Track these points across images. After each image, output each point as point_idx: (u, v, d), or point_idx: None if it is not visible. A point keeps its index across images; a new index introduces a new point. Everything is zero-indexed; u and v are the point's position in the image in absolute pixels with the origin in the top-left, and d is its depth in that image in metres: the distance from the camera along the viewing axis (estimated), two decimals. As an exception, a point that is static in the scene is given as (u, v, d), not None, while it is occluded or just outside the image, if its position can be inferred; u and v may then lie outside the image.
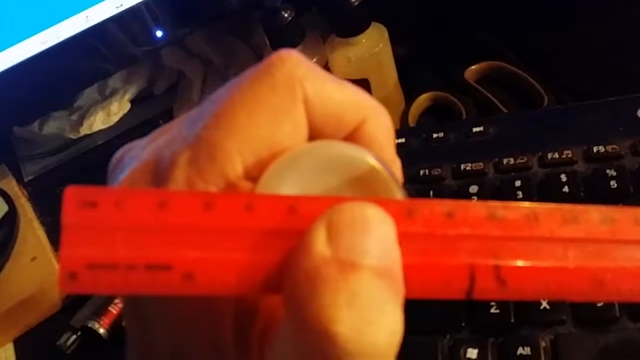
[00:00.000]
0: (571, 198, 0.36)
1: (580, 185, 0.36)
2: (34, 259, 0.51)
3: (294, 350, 0.15)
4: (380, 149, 0.19)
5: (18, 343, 0.49)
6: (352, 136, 0.19)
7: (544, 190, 0.37)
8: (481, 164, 0.39)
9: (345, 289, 0.14)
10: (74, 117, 0.58)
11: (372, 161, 0.18)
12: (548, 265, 0.17)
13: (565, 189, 0.36)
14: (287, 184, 0.17)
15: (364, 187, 0.18)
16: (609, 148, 0.37)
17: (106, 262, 0.15)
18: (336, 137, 0.19)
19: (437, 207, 0.17)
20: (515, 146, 0.40)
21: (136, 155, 0.19)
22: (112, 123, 0.58)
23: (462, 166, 0.40)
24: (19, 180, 0.60)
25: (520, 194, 0.37)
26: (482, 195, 0.38)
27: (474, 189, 0.38)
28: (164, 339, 0.19)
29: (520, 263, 0.17)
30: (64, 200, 0.15)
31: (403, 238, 0.16)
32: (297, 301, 0.14)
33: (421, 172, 0.40)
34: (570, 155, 0.38)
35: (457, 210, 0.17)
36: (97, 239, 0.15)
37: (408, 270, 0.16)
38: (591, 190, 0.36)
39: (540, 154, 0.39)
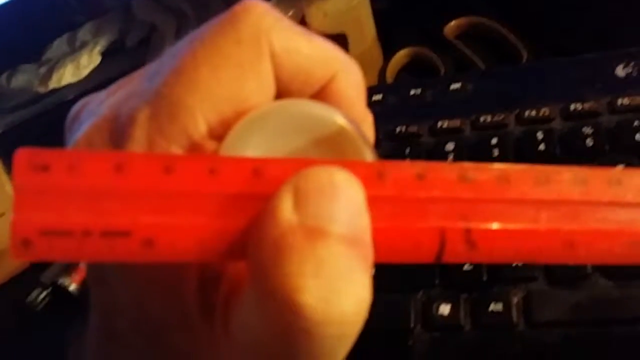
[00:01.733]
0: (547, 156, 0.36)
1: (557, 143, 0.36)
2: (2, 215, 0.49)
3: (259, 318, 0.15)
4: (350, 106, 0.19)
5: None
6: (321, 92, 0.19)
7: (521, 148, 0.37)
8: (458, 121, 0.39)
9: (312, 257, 0.14)
10: (43, 70, 0.57)
11: (341, 121, 0.17)
12: (519, 227, 0.17)
13: (542, 147, 0.36)
14: (252, 145, 0.17)
15: (333, 147, 0.17)
16: (586, 106, 0.37)
17: (60, 228, 0.14)
18: (304, 93, 0.18)
19: (407, 169, 0.16)
20: (493, 103, 0.39)
21: (93, 110, 0.18)
22: (82, 76, 0.56)
23: (439, 123, 0.39)
24: None
25: (496, 152, 0.37)
26: (458, 153, 0.38)
27: (450, 146, 0.38)
28: (127, 300, 0.18)
29: (490, 226, 0.17)
30: (14, 163, 0.14)
31: (372, 201, 0.16)
32: (262, 269, 0.14)
33: (397, 129, 0.40)
34: (547, 113, 0.37)
35: (427, 172, 0.17)
36: (50, 204, 0.14)
37: (377, 234, 0.16)
38: (567, 148, 0.36)
39: (517, 111, 0.38)
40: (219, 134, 0.17)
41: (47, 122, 0.59)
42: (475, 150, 0.38)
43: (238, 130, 0.17)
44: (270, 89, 0.18)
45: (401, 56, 0.50)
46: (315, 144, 0.17)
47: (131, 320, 0.18)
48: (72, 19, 0.50)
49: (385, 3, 0.51)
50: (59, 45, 0.56)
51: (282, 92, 0.18)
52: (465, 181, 0.17)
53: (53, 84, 0.55)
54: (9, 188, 0.51)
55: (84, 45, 0.57)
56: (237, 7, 0.17)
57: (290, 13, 0.45)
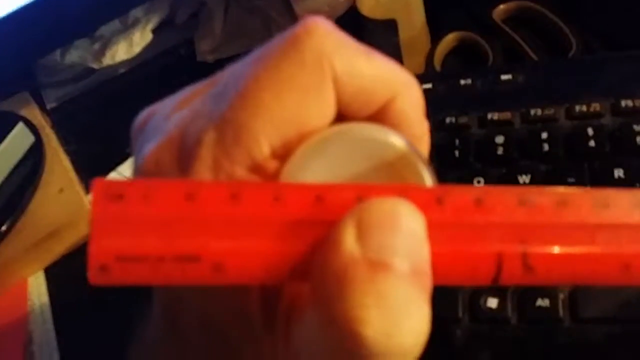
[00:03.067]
0: (597, 152, 0.36)
1: (607, 140, 0.36)
2: (61, 190, 0.50)
3: (321, 341, 0.15)
4: (409, 126, 0.19)
5: (48, 272, 0.50)
6: (381, 112, 0.19)
7: (571, 143, 0.36)
8: (508, 113, 0.39)
9: (373, 290, 0.14)
10: (96, 46, 0.58)
11: (400, 144, 0.18)
12: (575, 251, 0.17)
13: (592, 143, 0.36)
14: (313, 169, 0.17)
15: (393, 171, 0.18)
16: (637, 102, 0.36)
17: (135, 254, 0.15)
18: (364, 113, 0.19)
19: (466, 194, 0.17)
20: (543, 96, 0.39)
21: (160, 124, 0.19)
22: (134, 53, 0.57)
23: (489, 115, 0.39)
24: (42, 108, 0.58)
25: (546, 147, 0.37)
26: (508, 146, 0.38)
27: (500, 139, 0.38)
28: (194, 309, 0.19)
29: (548, 250, 0.17)
30: (92, 192, 0.15)
31: (431, 226, 0.16)
32: (325, 298, 0.15)
33: (447, 120, 0.40)
34: (597, 109, 0.37)
35: (486, 196, 0.17)
36: (125, 232, 0.15)
37: (435, 259, 0.16)
38: (617, 146, 0.36)
39: (567, 105, 0.38)
40: (281, 154, 0.17)
41: (100, 95, 0.60)
42: (524, 144, 0.37)
43: (300, 154, 0.17)
44: (332, 111, 0.18)
45: (449, 40, 0.50)
46: (376, 168, 0.17)
47: (196, 318, 0.19)
48: (126, 2, 0.50)
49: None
50: (111, 22, 0.57)
51: (342, 112, 0.18)
52: (524, 205, 0.17)
53: (107, 60, 0.56)
54: (66, 163, 0.52)
55: (136, 22, 0.57)
56: (299, 29, 0.17)
57: (341, -1, 0.45)
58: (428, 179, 0.18)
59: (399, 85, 0.19)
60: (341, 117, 0.18)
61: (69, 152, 0.54)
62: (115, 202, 0.15)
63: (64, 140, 0.55)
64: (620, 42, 0.45)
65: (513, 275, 0.17)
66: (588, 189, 0.17)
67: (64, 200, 0.50)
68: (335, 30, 0.18)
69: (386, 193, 0.16)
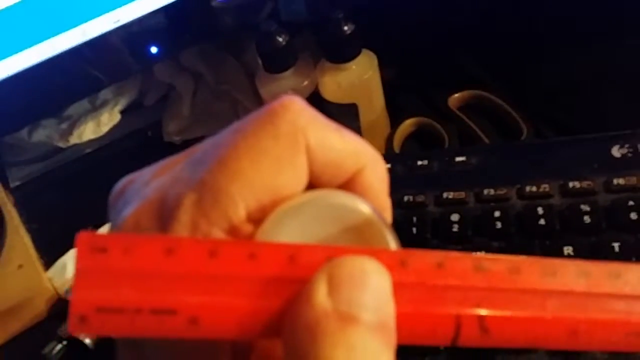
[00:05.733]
0: (547, 231, 0.38)
1: (556, 219, 0.38)
2: (20, 266, 0.50)
3: None
4: (375, 196, 0.20)
5: (3, 350, 0.49)
6: (350, 182, 0.20)
7: (522, 222, 0.39)
8: (463, 193, 0.41)
9: (343, 342, 0.15)
10: (64, 125, 0.58)
11: (367, 210, 0.19)
12: (527, 315, 0.18)
13: (542, 221, 0.38)
14: (287, 232, 0.18)
15: (360, 235, 0.19)
16: (584, 184, 0.39)
17: (114, 306, 0.16)
18: (334, 183, 0.20)
19: (428, 258, 0.18)
20: (496, 177, 0.41)
21: (139, 190, 0.20)
22: (102, 133, 0.58)
23: (445, 194, 0.41)
24: (5, 186, 0.58)
25: (499, 225, 0.39)
26: (463, 224, 0.39)
27: (455, 217, 0.40)
28: None
29: (502, 313, 0.18)
30: (77, 245, 0.16)
31: (396, 287, 0.17)
32: (297, 351, 0.15)
33: (405, 198, 0.41)
34: (547, 189, 0.39)
35: (446, 261, 0.18)
36: (106, 284, 0.16)
37: (398, 318, 0.17)
38: (566, 224, 0.38)
39: (518, 186, 0.40)
40: (256, 218, 0.18)
41: (65, 175, 0.61)
42: (478, 222, 0.39)
43: (274, 218, 0.18)
44: (304, 179, 0.19)
45: (408, 125, 0.53)
46: (344, 232, 0.19)
47: None
48: (97, 81, 0.51)
49: (393, 74, 0.53)
50: (80, 102, 0.58)
51: (314, 182, 0.20)
52: (480, 271, 0.18)
53: (73, 139, 0.57)
54: (27, 240, 0.52)
55: (104, 103, 0.58)
56: (276, 104, 0.19)
57: (305, 83, 0.48)
58: (392, 243, 0.19)
59: (366, 159, 0.20)
60: (312, 185, 0.20)
61: (30, 230, 0.54)
62: (98, 255, 0.16)
63: (26, 218, 0.55)
64: (567, 127, 0.48)
65: (470, 337, 0.18)
66: (537, 258, 0.19)
67: (22, 276, 0.50)
68: (308, 107, 0.20)
69: (355, 253, 0.17)
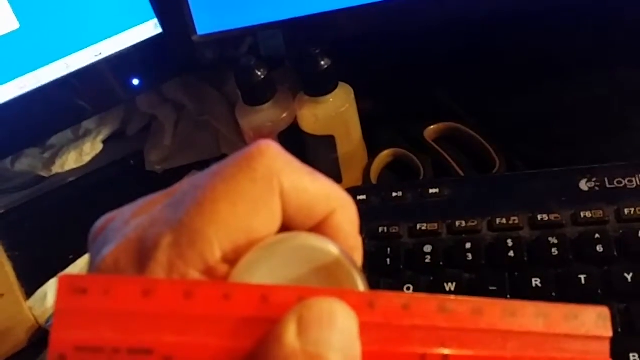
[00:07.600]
0: (516, 263, 0.39)
1: (525, 251, 0.39)
2: (1, 295, 0.50)
3: None
4: (345, 238, 0.21)
5: None
6: (322, 224, 0.21)
7: (492, 254, 0.39)
8: (435, 224, 0.42)
9: None
10: (46, 155, 0.59)
11: (337, 253, 0.20)
12: (489, 355, 0.19)
13: (511, 253, 0.39)
14: (260, 273, 0.19)
15: (330, 276, 0.20)
16: (552, 217, 0.40)
17: (93, 345, 0.16)
18: (307, 225, 0.21)
19: (394, 300, 0.19)
20: (468, 209, 0.42)
21: (119, 229, 0.21)
22: (84, 162, 0.59)
23: (418, 225, 0.42)
24: None
25: (470, 256, 0.40)
26: (435, 255, 0.40)
27: (428, 248, 0.41)
28: None
29: (465, 352, 0.19)
30: (58, 286, 0.17)
31: (363, 327, 0.18)
32: (267, 390, 0.16)
33: (380, 229, 0.42)
34: (516, 222, 0.40)
35: (412, 302, 0.19)
36: (85, 323, 0.17)
37: (365, 357, 0.18)
38: (534, 256, 0.39)
39: (489, 218, 0.41)
40: (232, 259, 0.19)
41: (47, 204, 0.61)
42: (450, 254, 0.40)
43: (248, 259, 0.19)
44: (278, 222, 0.20)
45: (384, 156, 0.54)
46: (315, 273, 0.20)
47: None
48: (79, 113, 0.52)
49: (370, 106, 0.54)
50: (63, 132, 0.58)
51: (287, 224, 0.20)
52: (444, 312, 0.19)
53: (56, 168, 0.58)
54: (8, 269, 0.52)
55: (87, 133, 0.59)
56: (253, 149, 0.20)
57: (284, 115, 0.49)
58: (361, 284, 0.20)
59: (337, 202, 0.21)
60: (286, 228, 0.21)
61: (11, 258, 0.54)
62: (78, 295, 0.17)
63: (8, 247, 0.55)
64: (538, 160, 0.50)
65: (435, 375, 0.19)
66: (498, 299, 0.20)
67: (3, 305, 0.50)
68: (284, 152, 0.20)
69: (324, 295, 0.18)
